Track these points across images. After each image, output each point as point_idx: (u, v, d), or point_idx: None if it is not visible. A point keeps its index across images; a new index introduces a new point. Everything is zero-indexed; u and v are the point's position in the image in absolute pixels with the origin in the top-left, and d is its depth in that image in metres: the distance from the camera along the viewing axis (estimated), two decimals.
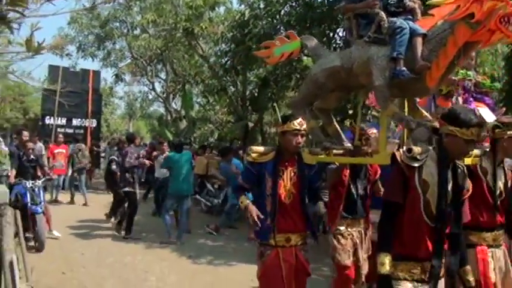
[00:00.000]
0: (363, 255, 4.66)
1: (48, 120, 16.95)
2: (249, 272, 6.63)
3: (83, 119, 17.66)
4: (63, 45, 19.25)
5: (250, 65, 11.91)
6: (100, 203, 12.66)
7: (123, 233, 8.84)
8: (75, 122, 17.56)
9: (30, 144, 8.50)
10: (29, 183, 7.70)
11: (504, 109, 5.92)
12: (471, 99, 5.58)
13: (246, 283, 6.18)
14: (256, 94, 14.05)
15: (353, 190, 4.62)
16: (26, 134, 8.74)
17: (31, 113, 30.70)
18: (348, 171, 4.57)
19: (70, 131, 17.04)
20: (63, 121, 17.27)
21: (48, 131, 16.21)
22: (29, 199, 7.50)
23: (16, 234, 4.38)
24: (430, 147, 2.93)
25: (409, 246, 2.83)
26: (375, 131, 4.62)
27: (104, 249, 7.86)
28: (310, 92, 4.15)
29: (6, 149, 13.29)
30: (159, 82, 24.62)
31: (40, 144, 13.46)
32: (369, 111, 11.06)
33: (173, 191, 8.75)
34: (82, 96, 17.54)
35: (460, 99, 5.43)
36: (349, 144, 4.19)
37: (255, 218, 3.58)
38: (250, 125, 15.06)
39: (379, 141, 3.98)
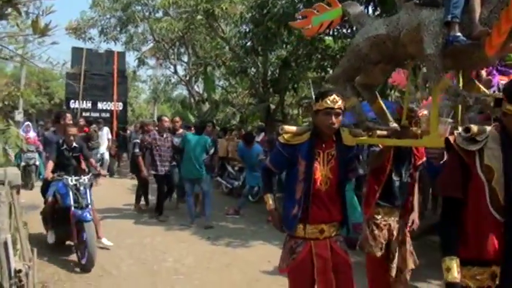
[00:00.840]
0: (396, 247, 4.22)
1: (73, 104, 16.66)
2: (267, 253, 6.66)
3: (109, 102, 17.29)
4: (82, 28, 19.33)
5: (270, 46, 11.77)
6: (124, 186, 12.83)
7: (160, 218, 8.92)
8: (101, 105, 17.19)
9: (72, 130, 6.75)
10: (71, 180, 6.08)
11: None
12: (495, 72, 5.25)
13: (262, 264, 6.14)
14: (277, 75, 13.91)
15: (394, 176, 4.17)
16: (69, 117, 7.35)
17: (56, 98, 31.16)
18: (391, 154, 4.11)
19: (96, 114, 16.65)
20: (89, 105, 16.98)
21: (73, 116, 16.11)
22: (72, 201, 5.95)
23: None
24: (489, 127, 2.46)
25: (474, 247, 2.39)
26: (425, 112, 4.13)
27: (123, 231, 7.91)
28: (351, 65, 3.70)
29: (34, 134, 13.02)
30: (181, 65, 24.64)
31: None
32: (392, 91, 10.85)
33: (183, 174, 8.80)
34: (107, 79, 17.24)
35: (484, 73, 5.09)
36: (395, 125, 3.74)
37: (278, 226, 3.40)
38: (272, 107, 14.96)
39: (429, 120, 3.48)
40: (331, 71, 12.14)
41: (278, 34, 11.02)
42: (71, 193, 6.00)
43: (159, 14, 20.06)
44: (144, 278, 5.68)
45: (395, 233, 4.19)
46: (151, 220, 8.79)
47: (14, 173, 4.12)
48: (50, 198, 6.34)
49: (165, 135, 9.18)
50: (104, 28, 20.64)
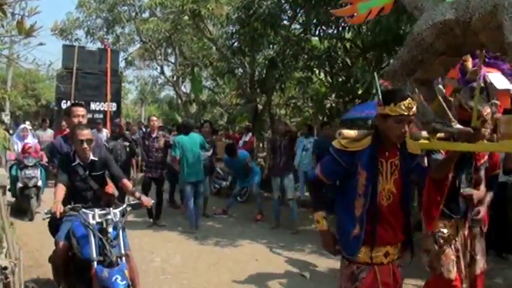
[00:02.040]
0: (465, 264, 3.84)
1: (65, 105, 15.14)
2: (254, 252, 6.72)
3: (102, 103, 16.19)
4: (68, 29, 19.17)
5: (256, 46, 11.81)
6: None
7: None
8: (93, 106, 16.03)
9: (84, 132, 4.30)
10: (93, 215, 3.86)
11: None
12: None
13: (250, 263, 6.20)
14: (264, 75, 13.96)
15: (456, 184, 3.76)
16: (81, 111, 4.86)
17: (43, 100, 30.95)
18: None
19: (88, 115, 15.77)
20: None
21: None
22: (94, 252, 3.75)
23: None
24: None
25: None
26: (488, 110, 3.64)
27: None
28: (412, 57, 3.15)
29: (35, 141, 10.48)
30: (168, 66, 24.62)
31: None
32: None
33: (185, 177, 8.36)
34: (100, 78, 16.21)
35: (470, 65, 4.48)
36: (459, 125, 3.13)
37: (332, 249, 2.97)
38: (260, 107, 15.00)
39: (509, 121, 2.92)
40: (317, 71, 12.23)
41: (264, 34, 11.05)
42: (92, 238, 3.79)
43: (146, 15, 20.04)
44: None
45: (460, 249, 3.78)
46: (139, 221, 8.77)
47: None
48: (61, 243, 4.21)
49: (154, 135, 8.63)
50: (90, 29, 20.55)
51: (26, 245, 6.12)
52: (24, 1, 4.46)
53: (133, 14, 20.38)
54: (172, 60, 23.66)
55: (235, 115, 17.76)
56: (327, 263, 6.22)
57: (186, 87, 24.50)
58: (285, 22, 11.89)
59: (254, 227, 8.41)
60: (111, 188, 4.77)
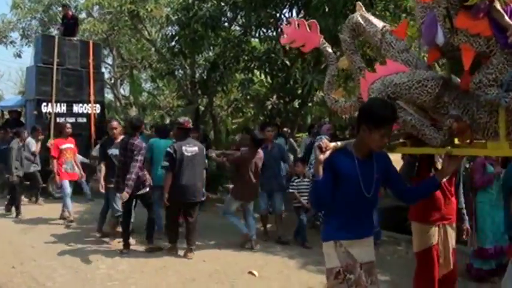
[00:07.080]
0: None
1: (45, 108, 12.97)
2: (202, 254, 6.78)
3: (85, 104, 13.70)
4: (3, 32, 18.46)
5: (197, 48, 11.81)
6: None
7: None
8: (76, 108, 13.60)
9: None
10: None
11: None
12: None
13: (198, 264, 6.24)
14: (205, 77, 13.96)
15: None
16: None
17: None
18: None
19: (71, 119, 12.97)
20: (63, 108, 13.29)
21: (45, 122, 12.74)
22: None
23: None
24: None
25: None
26: None
27: (55, 241, 7.68)
28: None
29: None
30: (106, 68, 24.10)
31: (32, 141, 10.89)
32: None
33: (156, 183, 7.63)
34: (82, 75, 13.86)
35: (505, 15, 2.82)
36: None
37: None
38: (201, 108, 15.02)
39: None
40: (257, 72, 12.38)
41: (205, 36, 11.07)
42: None
43: (82, 15, 19.57)
44: (78, 287, 5.61)
45: None
46: (83, 229, 8.51)
47: None
48: None
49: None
50: (25, 30, 19.87)
51: None
52: None
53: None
54: (110, 62, 23.18)
55: (176, 117, 17.67)
56: (276, 261, 6.38)
57: (125, 90, 24.09)
58: (225, 24, 11.96)
59: (202, 227, 8.40)
60: None
